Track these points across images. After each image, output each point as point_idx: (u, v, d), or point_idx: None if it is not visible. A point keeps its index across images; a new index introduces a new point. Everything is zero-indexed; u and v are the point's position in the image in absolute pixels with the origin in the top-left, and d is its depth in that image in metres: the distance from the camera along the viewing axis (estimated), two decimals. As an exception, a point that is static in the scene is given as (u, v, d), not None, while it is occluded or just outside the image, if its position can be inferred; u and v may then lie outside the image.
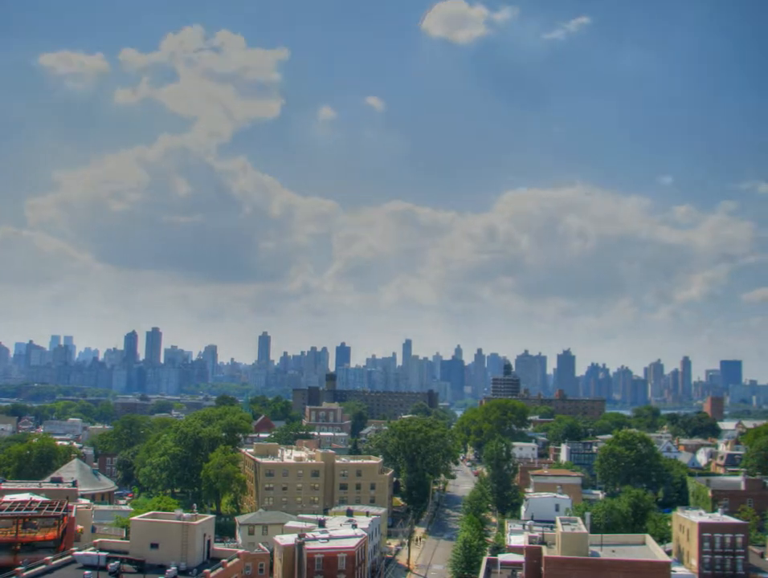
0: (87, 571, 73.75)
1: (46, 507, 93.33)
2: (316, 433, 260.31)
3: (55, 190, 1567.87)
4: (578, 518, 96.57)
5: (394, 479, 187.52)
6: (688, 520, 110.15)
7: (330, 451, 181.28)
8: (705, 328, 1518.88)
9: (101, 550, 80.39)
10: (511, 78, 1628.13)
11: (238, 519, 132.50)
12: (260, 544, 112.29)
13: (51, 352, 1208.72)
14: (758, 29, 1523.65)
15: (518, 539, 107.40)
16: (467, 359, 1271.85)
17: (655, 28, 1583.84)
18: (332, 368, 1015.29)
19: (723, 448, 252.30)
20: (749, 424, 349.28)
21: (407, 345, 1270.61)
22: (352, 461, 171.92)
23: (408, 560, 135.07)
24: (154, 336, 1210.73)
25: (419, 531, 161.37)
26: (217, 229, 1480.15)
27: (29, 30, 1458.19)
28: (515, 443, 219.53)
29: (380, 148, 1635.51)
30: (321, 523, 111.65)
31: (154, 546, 79.93)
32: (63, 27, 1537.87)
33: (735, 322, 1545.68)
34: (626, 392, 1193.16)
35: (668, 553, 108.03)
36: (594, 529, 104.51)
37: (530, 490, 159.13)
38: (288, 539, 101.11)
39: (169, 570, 74.66)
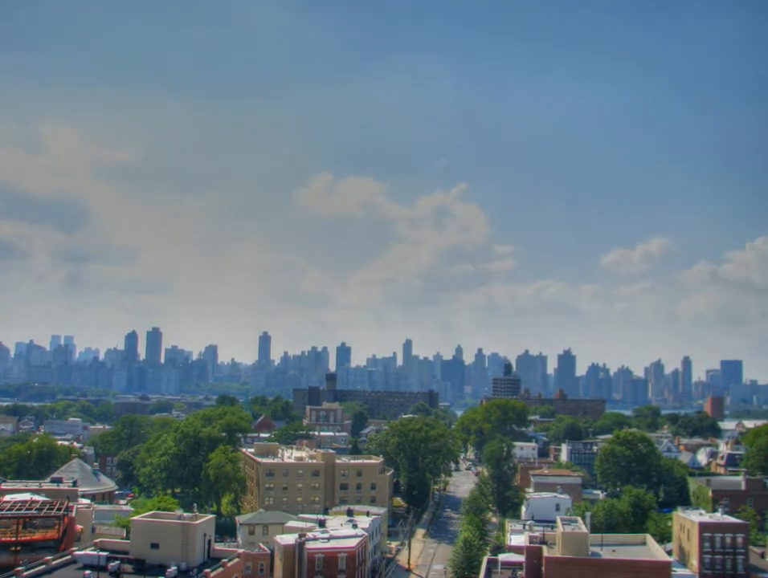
0: (87, 571, 73.73)
1: (46, 507, 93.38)
2: (316, 433, 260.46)
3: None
4: (579, 518, 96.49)
5: (395, 479, 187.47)
6: (688, 520, 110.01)
7: (330, 451, 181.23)
8: (706, 328, 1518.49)
9: (101, 550, 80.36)
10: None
11: (239, 519, 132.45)
12: (261, 544, 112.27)
13: (51, 351, 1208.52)
14: None
15: (519, 539, 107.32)
16: (468, 359, 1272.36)
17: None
18: (332, 368, 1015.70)
19: (723, 448, 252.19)
20: (749, 424, 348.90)
21: (407, 345, 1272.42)
22: (352, 461, 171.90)
23: (408, 560, 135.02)
24: (155, 336, 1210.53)
25: (419, 532, 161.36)
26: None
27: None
28: (515, 443, 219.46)
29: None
30: (322, 523, 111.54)
31: (154, 546, 79.85)
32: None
33: (736, 321, 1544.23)
34: (626, 392, 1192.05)
35: (669, 553, 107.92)
36: (595, 529, 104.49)
37: (531, 490, 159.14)
38: (289, 539, 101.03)
39: (169, 570, 74.65)
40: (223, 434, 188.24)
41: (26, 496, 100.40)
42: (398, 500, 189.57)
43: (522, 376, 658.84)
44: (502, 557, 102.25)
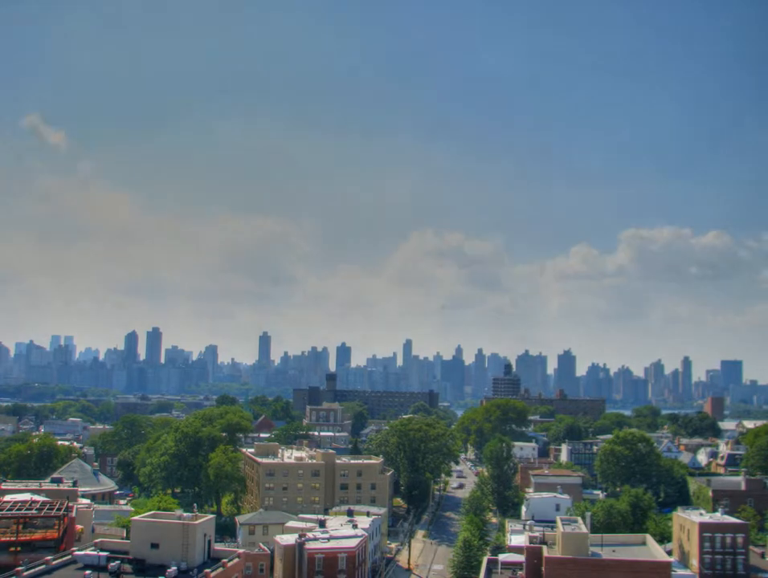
0: (87, 571, 73.66)
1: (46, 507, 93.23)
2: (316, 433, 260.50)
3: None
4: (579, 518, 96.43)
5: (395, 479, 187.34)
6: (688, 520, 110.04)
7: (331, 451, 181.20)
8: (706, 328, 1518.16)
9: (101, 550, 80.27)
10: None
11: (239, 519, 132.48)
12: (261, 544, 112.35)
13: (51, 351, 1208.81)
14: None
15: (519, 539, 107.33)
16: (468, 359, 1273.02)
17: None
18: (332, 368, 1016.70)
19: (723, 448, 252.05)
20: (749, 424, 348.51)
21: (408, 345, 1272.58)
22: (352, 462, 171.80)
23: (408, 561, 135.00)
24: (154, 336, 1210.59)
25: (419, 532, 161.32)
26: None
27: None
28: (515, 443, 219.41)
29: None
30: (322, 523, 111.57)
31: (154, 546, 79.73)
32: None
33: (736, 322, 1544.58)
34: (626, 392, 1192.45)
35: (669, 553, 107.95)
36: (595, 529, 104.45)
37: (531, 490, 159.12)
38: (289, 539, 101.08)
39: (169, 570, 74.57)
40: (223, 434, 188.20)
41: (26, 496, 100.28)
42: (398, 500, 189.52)
43: (522, 376, 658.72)
44: (502, 557, 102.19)
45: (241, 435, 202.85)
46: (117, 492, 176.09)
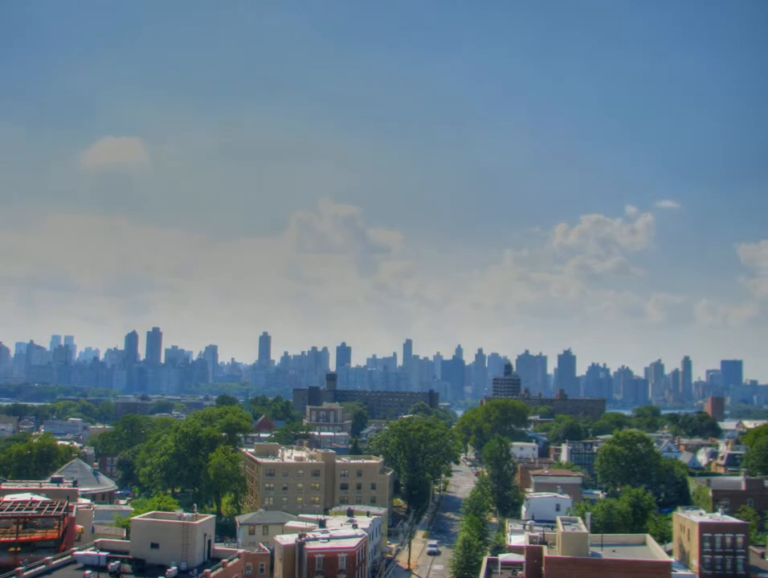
0: (87, 571, 73.67)
1: (46, 507, 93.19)
2: (316, 433, 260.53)
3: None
4: (579, 518, 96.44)
5: (395, 479, 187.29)
6: (688, 520, 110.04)
7: (331, 451, 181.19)
8: (706, 328, 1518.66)
9: (101, 550, 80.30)
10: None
11: (239, 519, 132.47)
12: (261, 544, 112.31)
13: (51, 351, 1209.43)
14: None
15: (519, 539, 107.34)
16: (468, 359, 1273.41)
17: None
18: (332, 367, 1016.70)
19: (723, 448, 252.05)
20: (749, 424, 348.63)
21: (408, 345, 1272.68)
22: (352, 462, 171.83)
23: (408, 561, 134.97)
24: (155, 336, 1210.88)
25: (419, 533, 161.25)
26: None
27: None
28: (515, 443, 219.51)
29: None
30: (322, 523, 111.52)
31: (154, 546, 79.73)
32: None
33: (736, 321, 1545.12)
34: (626, 392, 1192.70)
35: (669, 553, 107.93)
36: (595, 529, 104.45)
37: (531, 490, 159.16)
38: (289, 539, 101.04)
39: (169, 570, 74.57)
40: (223, 434, 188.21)
41: (26, 496, 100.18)
42: (398, 500, 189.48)
43: (522, 376, 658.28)
44: (502, 557, 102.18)
45: (241, 435, 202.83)
46: (117, 492, 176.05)
